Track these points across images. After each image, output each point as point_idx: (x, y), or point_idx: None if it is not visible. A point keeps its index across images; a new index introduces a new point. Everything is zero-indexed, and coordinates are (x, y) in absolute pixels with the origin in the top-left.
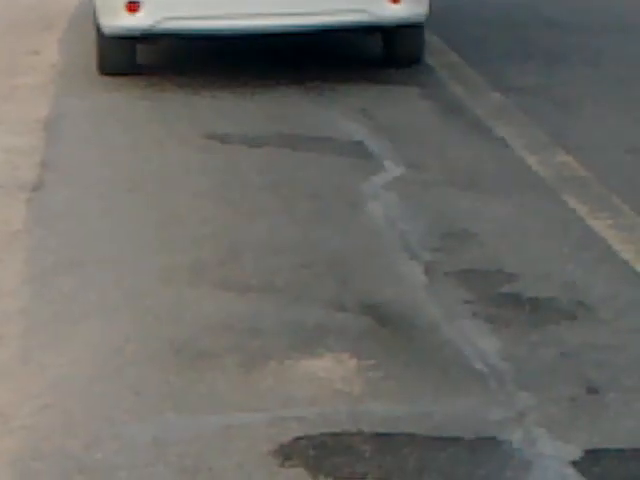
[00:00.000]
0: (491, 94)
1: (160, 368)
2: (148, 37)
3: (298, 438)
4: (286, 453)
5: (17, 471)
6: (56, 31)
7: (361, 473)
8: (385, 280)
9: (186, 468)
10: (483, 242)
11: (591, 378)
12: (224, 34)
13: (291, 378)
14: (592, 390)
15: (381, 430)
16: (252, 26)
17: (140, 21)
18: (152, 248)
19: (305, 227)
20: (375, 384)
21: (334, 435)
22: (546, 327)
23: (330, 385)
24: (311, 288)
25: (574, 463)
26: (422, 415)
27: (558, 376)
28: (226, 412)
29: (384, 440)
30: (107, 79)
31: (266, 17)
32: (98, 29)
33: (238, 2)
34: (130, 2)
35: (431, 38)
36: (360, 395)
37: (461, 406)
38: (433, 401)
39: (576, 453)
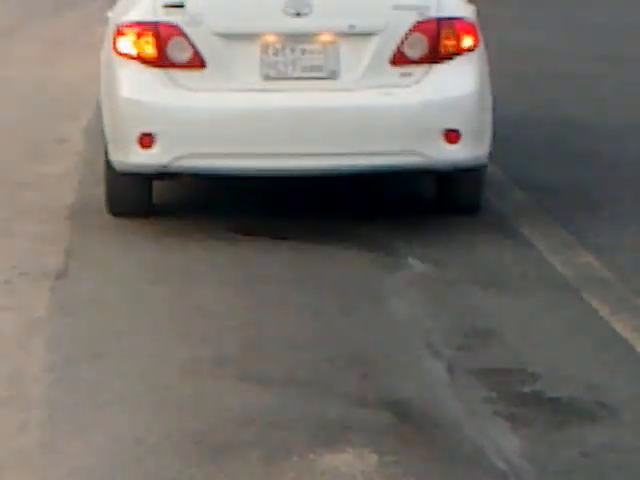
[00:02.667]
0: (515, 193)
1: (181, 459)
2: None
3: None
4: None
5: None
6: (82, 121)
7: None
8: (407, 376)
9: None
10: (505, 341)
11: None
12: (255, 176)
13: (312, 472)
14: None
15: None
16: (288, 168)
17: (154, 158)
18: (175, 340)
19: (328, 321)
20: None
21: None
22: (567, 427)
23: None
24: (333, 383)
25: None
26: None
27: (579, 477)
28: None
29: None
30: None
31: (304, 158)
32: (107, 160)
33: (273, 139)
34: (143, 135)
35: None
36: None
37: None
38: None
39: None
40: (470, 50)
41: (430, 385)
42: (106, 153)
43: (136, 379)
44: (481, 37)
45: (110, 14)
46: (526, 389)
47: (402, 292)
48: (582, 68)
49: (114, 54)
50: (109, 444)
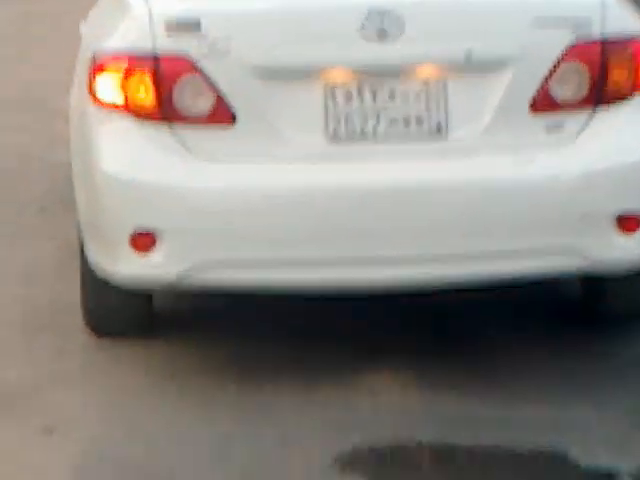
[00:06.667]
0: None
1: None
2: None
3: None
4: None
5: None
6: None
7: None
8: None
9: None
10: None
11: None
12: (317, 293)
13: None
14: None
15: None
16: (368, 280)
17: (157, 269)
18: None
19: None
20: None
21: None
22: None
23: None
24: None
25: None
26: None
27: None
28: None
29: None
30: None
31: (393, 265)
32: (84, 261)
33: (345, 236)
34: (139, 233)
35: None
36: None
37: None
38: None
39: None
40: None
41: None
42: (82, 249)
43: None
44: None
45: (84, 28)
46: None
47: None
48: None
49: (91, 101)
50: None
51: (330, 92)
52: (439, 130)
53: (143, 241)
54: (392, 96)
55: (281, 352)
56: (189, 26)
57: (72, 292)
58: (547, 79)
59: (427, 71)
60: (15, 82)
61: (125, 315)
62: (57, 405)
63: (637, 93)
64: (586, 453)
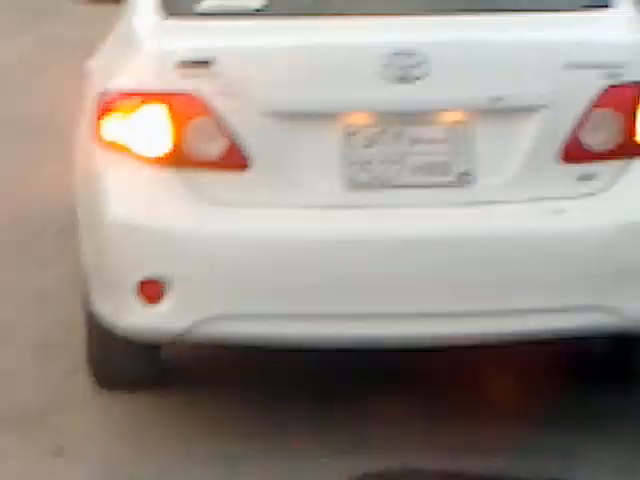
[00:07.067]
0: None
1: None
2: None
3: None
4: None
5: None
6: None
7: None
8: None
9: None
10: None
11: None
12: (335, 347)
13: None
14: None
15: None
16: (388, 336)
17: (166, 320)
18: None
19: None
20: None
21: None
22: None
23: None
24: None
25: None
26: None
27: None
28: None
29: None
30: None
31: (415, 320)
32: (88, 310)
33: (365, 289)
34: (146, 282)
35: None
36: None
37: None
38: None
39: None
40: None
41: None
42: (87, 298)
43: None
44: None
45: (92, 65)
46: None
47: None
48: None
49: (97, 144)
50: None
51: (349, 137)
52: (465, 178)
53: (151, 290)
54: (415, 142)
55: (295, 375)
56: (203, 64)
57: None
58: (578, 127)
59: (453, 116)
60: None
61: (132, 369)
62: (69, 426)
63: None
64: None
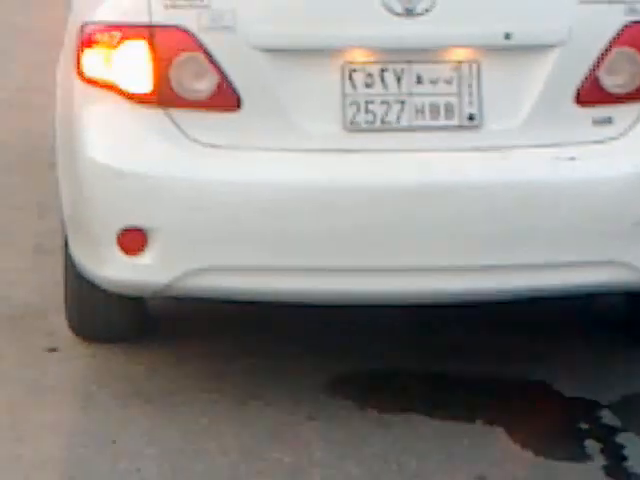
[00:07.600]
0: None
1: None
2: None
3: None
4: None
5: None
6: None
7: None
8: None
9: None
10: None
11: None
12: (330, 302)
13: None
14: None
15: None
16: (387, 291)
17: (148, 273)
18: None
19: None
20: None
21: None
22: None
23: None
24: None
25: None
26: None
27: None
28: None
29: None
30: None
31: (416, 274)
32: (67, 255)
33: (362, 241)
34: (127, 231)
35: None
36: None
37: None
38: None
39: None
40: None
41: None
42: (66, 244)
43: None
44: None
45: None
46: None
47: None
48: None
49: (77, 78)
50: None
51: (348, 76)
52: (471, 121)
53: (133, 241)
54: (419, 81)
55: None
56: None
57: None
58: (595, 66)
59: (460, 54)
60: None
61: (115, 323)
62: (64, 328)
63: None
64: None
